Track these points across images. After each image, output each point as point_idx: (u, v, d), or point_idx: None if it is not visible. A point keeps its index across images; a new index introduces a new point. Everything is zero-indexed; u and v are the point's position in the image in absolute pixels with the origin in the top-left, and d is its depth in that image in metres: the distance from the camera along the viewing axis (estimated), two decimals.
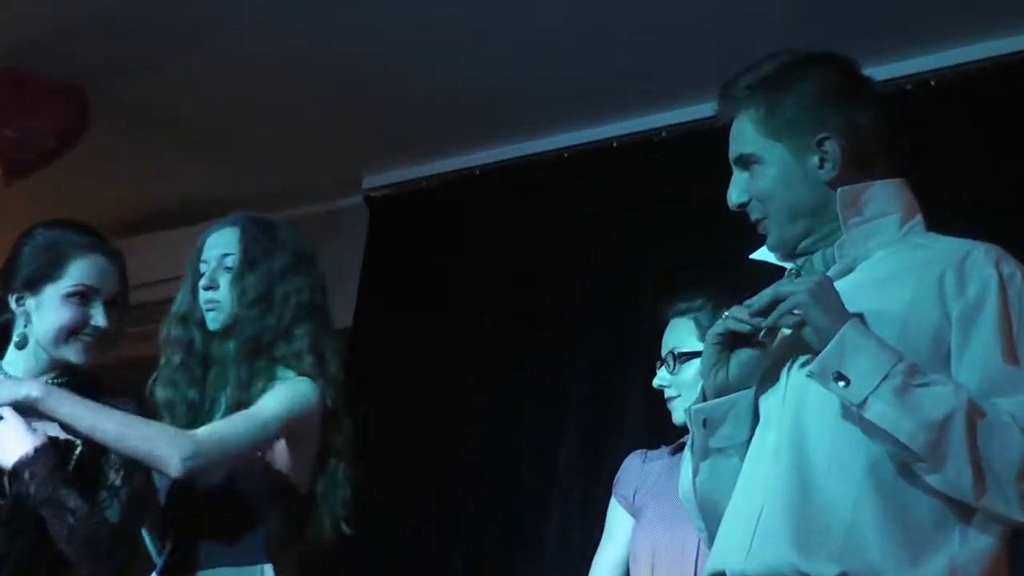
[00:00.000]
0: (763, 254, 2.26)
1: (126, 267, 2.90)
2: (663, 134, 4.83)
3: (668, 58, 4.52)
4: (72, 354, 2.77)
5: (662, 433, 3.27)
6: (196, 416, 2.87)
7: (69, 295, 2.76)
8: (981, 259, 2.07)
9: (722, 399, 2.20)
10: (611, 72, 4.74)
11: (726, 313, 2.10)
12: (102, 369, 2.91)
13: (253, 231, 2.94)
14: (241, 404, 2.78)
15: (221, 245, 2.93)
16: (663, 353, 3.12)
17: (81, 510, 2.64)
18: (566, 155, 5.20)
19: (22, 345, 2.80)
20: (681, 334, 3.10)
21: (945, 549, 1.99)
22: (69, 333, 2.76)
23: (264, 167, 5.57)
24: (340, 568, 4.53)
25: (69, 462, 2.72)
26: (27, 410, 2.66)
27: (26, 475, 2.61)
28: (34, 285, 2.79)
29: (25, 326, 2.80)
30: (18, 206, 4.68)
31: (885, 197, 2.17)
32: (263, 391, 2.80)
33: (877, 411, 1.94)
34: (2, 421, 2.65)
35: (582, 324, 4.75)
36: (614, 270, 4.63)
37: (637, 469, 3.25)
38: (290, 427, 2.78)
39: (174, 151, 5.46)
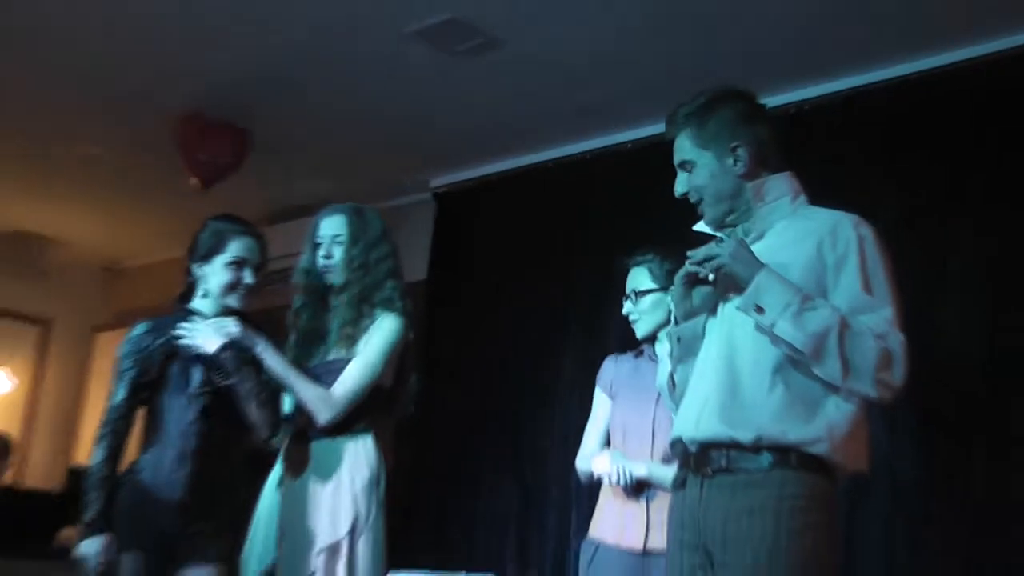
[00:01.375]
0: (701, 227, 2.53)
1: (267, 245, 3.36)
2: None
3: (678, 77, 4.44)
4: (233, 301, 3.28)
5: (633, 343, 3.49)
6: (315, 339, 3.34)
7: (229, 263, 3.29)
8: (846, 224, 2.36)
9: (689, 322, 2.49)
10: (634, 87, 4.86)
11: (687, 261, 2.34)
12: (257, 314, 3.38)
13: (353, 217, 3.39)
14: (351, 336, 3.24)
15: (333, 227, 3.38)
16: (627, 291, 3.39)
17: (252, 381, 3.17)
18: (614, 152, 5.34)
19: (203, 296, 3.31)
20: (638, 277, 3.38)
21: (824, 414, 2.28)
22: (230, 288, 3.29)
23: (357, 173, 6.11)
24: (416, 439, 5.16)
25: (251, 358, 3.21)
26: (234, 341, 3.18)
27: (225, 356, 3.16)
28: (208, 257, 3.30)
29: (204, 283, 3.31)
30: (210, 202, 5.18)
31: (779, 186, 2.46)
32: (367, 328, 3.25)
33: (781, 329, 2.24)
34: (203, 326, 3.19)
35: (604, 296, 4.73)
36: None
37: (612, 367, 3.52)
38: (387, 358, 3.25)
39: (298, 165, 6.18)
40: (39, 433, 7.80)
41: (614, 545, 3.26)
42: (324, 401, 3.14)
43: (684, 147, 2.48)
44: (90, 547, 3.07)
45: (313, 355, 3.30)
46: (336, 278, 3.31)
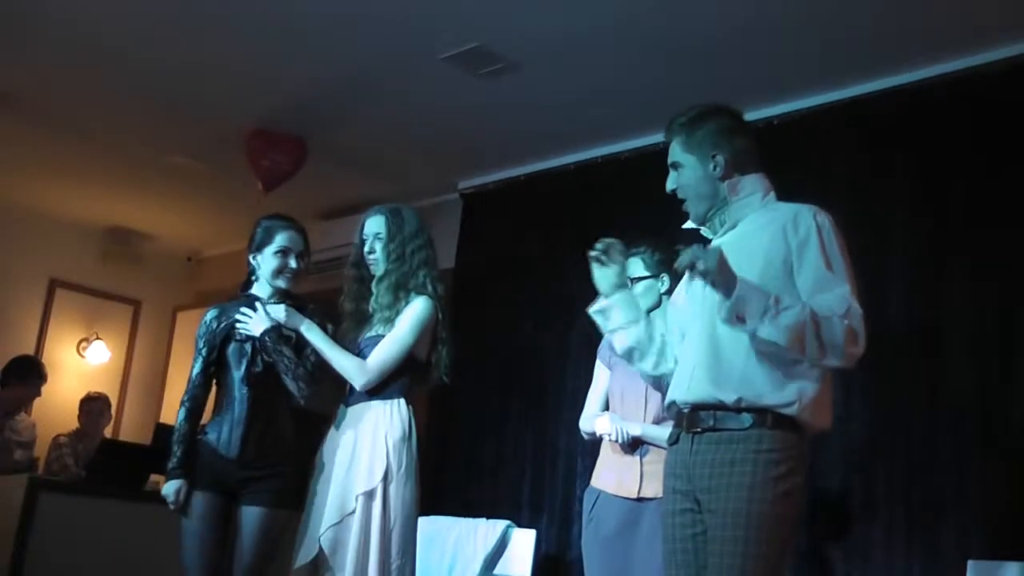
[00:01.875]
0: (689, 225, 2.55)
1: (307, 236, 3.42)
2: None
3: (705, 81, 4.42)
4: (282, 283, 3.34)
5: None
6: (362, 319, 3.35)
7: (276, 252, 3.35)
8: (806, 213, 2.37)
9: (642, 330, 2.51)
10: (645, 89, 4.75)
11: (684, 253, 2.26)
12: (312, 295, 3.46)
13: (391, 216, 3.38)
14: (389, 319, 3.25)
15: (374, 226, 3.38)
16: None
17: (293, 359, 3.27)
18: (614, 160, 5.29)
19: (258, 279, 3.39)
20: (632, 266, 3.28)
21: (797, 382, 2.29)
22: (278, 272, 3.35)
23: (397, 177, 6.10)
24: (446, 403, 5.24)
25: (290, 338, 3.30)
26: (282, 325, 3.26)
27: (266, 338, 3.26)
28: (260, 248, 3.39)
29: (259, 270, 3.39)
30: (274, 202, 5.37)
31: (750, 185, 2.46)
32: (401, 310, 3.25)
33: (764, 332, 2.22)
34: (255, 313, 3.27)
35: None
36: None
37: (606, 345, 3.40)
38: (417, 334, 3.25)
39: (347, 170, 6.13)
40: (131, 395, 7.88)
41: (613, 494, 3.27)
42: (359, 369, 3.17)
43: (675, 151, 2.50)
44: (170, 488, 3.24)
45: (360, 332, 3.31)
46: (377, 269, 3.33)
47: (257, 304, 3.28)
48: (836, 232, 2.36)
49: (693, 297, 2.48)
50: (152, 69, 5.09)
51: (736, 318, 2.23)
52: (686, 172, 2.47)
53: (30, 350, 7.05)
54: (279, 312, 3.23)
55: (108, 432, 6.73)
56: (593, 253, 2.49)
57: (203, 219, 7.26)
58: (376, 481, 3.06)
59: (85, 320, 7.74)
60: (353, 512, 3.07)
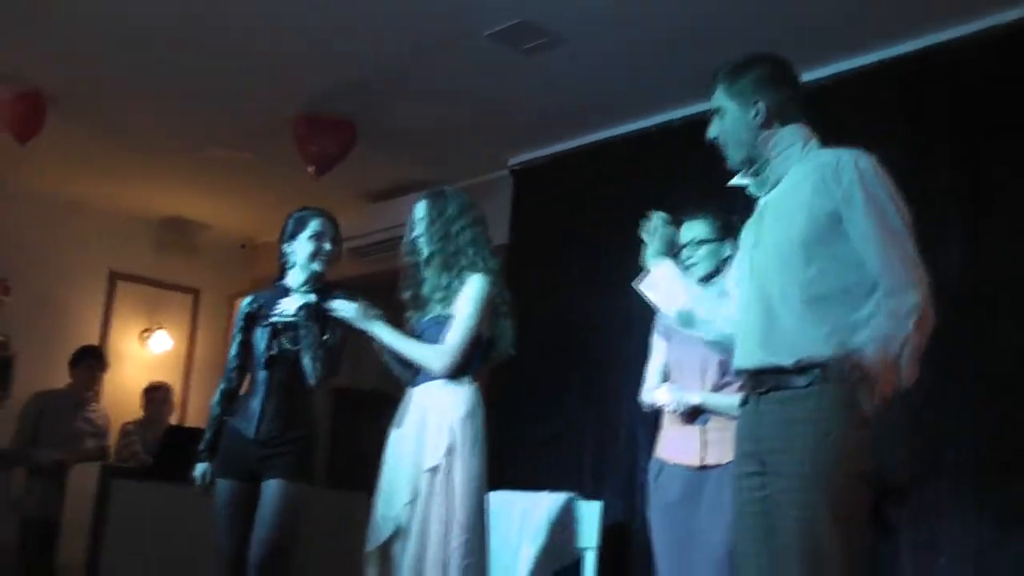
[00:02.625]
0: (735, 182, 2.51)
1: (337, 223, 3.52)
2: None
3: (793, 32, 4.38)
4: (317, 266, 3.47)
5: None
6: (420, 302, 3.35)
7: (311, 237, 3.50)
8: (847, 160, 2.30)
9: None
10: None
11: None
12: (365, 278, 3.65)
13: (431, 200, 3.38)
14: (444, 298, 3.26)
15: (418, 211, 3.39)
16: (685, 241, 3.31)
17: (318, 339, 3.38)
18: (665, 129, 5.25)
19: (292, 266, 3.50)
20: (696, 228, 3.34)
21: (854, 337, 2.22)
22: (314, 255, 3.48)
23: (447, 156, 6.10)
24: (509, 379, 5.22)
25: (319, 318, 3.40)
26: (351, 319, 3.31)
27: (301, 311, 3.38)
28: (294, 235, 3.52)
29: (293, 258, 3.51)
30: (324, 187, 5.63)
31: (790, 135, 2.41)
32: (458, 288, 3.25)
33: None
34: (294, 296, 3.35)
35: None
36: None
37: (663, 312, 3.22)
38: (480, 312, 3.25)
39: (397, 152, 6.17)
40: (194, 382, 7.97)
41: (675, 463, 3.29)
42: (437, 354, 3.20)
43: (718, 96, 2.49)
44: (197, 472, 3.47)
45: (420, 315, 3.35)
46: (423, 252, 3.35)
47: (340, 299, 3.30)
48: (880, 175, 2.30)
49: (742, 261, 2.49)
50: (199, 59, 5.15)
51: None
52: (727, 118, 2.46)
53: (94, 342, 7.17)
54: (349, 309, 3.26)
55: (174, 419, 6.90)
56: (644, 227, 2.53)
57: (255, 206, 7.32)
58: (440, 457, 3.09)
59: (146, 311, 7.86)
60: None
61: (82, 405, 5.95)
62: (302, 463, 3.35)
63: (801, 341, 2.25)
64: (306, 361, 3.33)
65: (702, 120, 2.53)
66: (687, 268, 3.24)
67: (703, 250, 3.32)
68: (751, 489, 2.32)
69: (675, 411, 3.28)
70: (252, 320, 3.46)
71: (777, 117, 2.43)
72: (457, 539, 3.05)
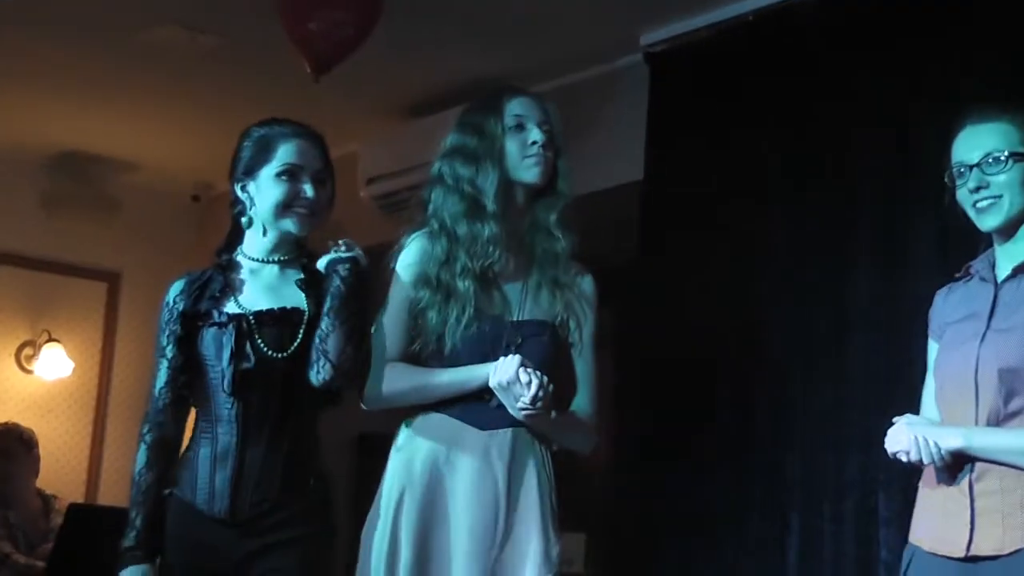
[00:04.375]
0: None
1: (327, 148, 3.03)
2: None
3: None
4: (291, 226, 2.95)
5: (946, 273, 3.00)
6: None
7: (279, 174, 2.95)
8: None
9: None
10: None
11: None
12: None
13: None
14: (560, 283, 3.10)
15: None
16: (968, 161, 2.69)
17: (360, 328, 3.00)
18: None
19: (249, 224, 2.99)
20: (991, 137, 2.74)
21: None
22: (285, 207, 2.95)
23: (539, 39, 5.11)
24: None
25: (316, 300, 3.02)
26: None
27: (340, 267, 2.94)
28: (252, 171, 2.98)
29: (251, 208, 2.98)
30: (326, 93, 4.77)
31: None
32: (573, 282, 3.08)
33: None
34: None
35: (864, 166, 4.16)
36: (896, 111, 3.96)
37: (941, 303, 2.99)
38: None
39: (454, 34, 5.20)
40: (112, 428, 6.84)
41: (930, 551, 2.69)
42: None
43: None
44: None
45: (523, 284, 3.09)
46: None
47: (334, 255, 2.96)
48: None
49: None
50: None
51: None
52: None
53: None
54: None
55: (75, 491, 6.15)
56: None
57: (215, 131, 6.01)
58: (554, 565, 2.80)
59: (27, 312, 6.62)
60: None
61: None
62: (321, 556, 2.84)
63: None
64: (325, 366, 2.79)
65: None
66: (979, 212, 2.72)
67: (1003, 176, 2.71)
68: None
69: (916, 460, 2.71)
70: (193, 319, 2.96)
71: None
72: None
